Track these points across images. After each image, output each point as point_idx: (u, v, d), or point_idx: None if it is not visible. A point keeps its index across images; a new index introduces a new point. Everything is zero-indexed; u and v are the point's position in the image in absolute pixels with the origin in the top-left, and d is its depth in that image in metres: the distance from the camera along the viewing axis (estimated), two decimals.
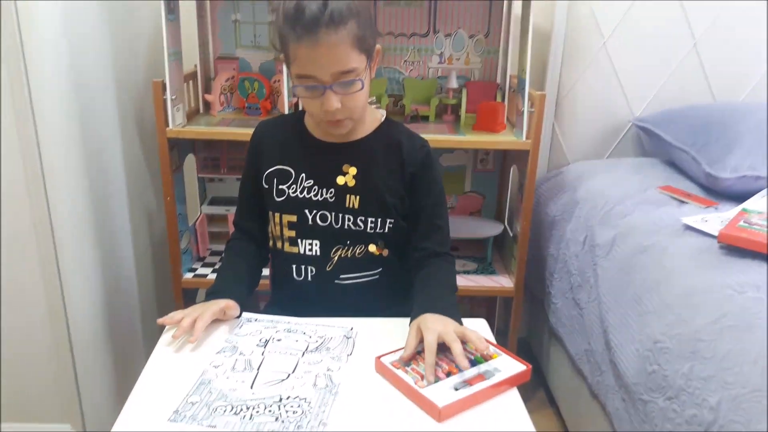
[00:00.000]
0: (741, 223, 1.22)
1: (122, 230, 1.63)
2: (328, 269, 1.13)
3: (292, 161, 1.13)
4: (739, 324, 0.98)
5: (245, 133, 1.46)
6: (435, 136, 1.55)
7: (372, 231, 1.12)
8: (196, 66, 1.73)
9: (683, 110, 1.72)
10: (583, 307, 1.44)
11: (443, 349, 0.92)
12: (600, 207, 1.52)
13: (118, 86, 1.56)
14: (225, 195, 1.89)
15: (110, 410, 1.54)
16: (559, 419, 1.73)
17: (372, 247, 1.14)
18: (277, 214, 1.14)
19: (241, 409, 0.83)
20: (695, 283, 1.11)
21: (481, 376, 0.89)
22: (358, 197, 1.11)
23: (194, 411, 0.82)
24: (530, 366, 0.93)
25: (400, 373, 0.90)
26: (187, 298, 1.68)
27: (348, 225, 1.12)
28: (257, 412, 0.82)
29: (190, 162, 1.80)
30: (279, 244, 1.16)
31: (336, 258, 1.13)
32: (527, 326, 1.96)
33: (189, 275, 1.69)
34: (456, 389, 0.86)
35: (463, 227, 1.82)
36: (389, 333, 1.02)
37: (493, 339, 1.03)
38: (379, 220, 1.12)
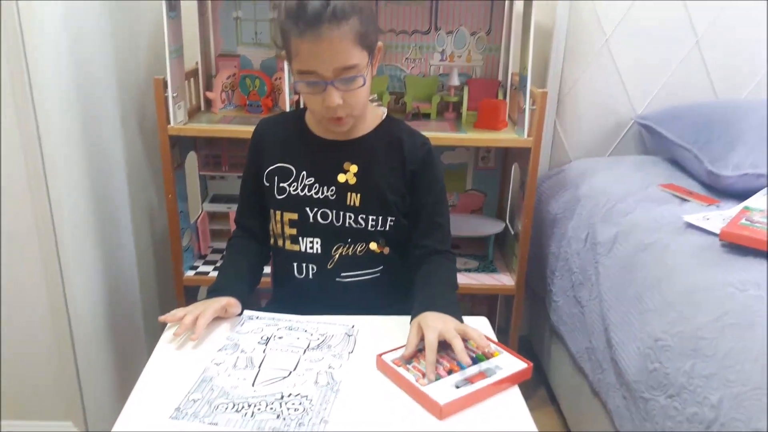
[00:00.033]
0: (743, 221, 1.21)
1: (124, 228, 1.63)
2: (329, 267, 1.13)
3: (293, 159, 1.13)
4: (741, 322, 0.97)
5: (246, 130, 1.46)
6: (436, 133, 1.55)
7: (373, 229, 1.12)
8: (197, 63, 1.73)
9: (685, 108, 1.72)
10: (585, 304, 1.44)
11: (444, 347, 0.92)
12: (602, 205, 1.52)
13: (120, 84, 1.56)
14: (226, 192, 1.89)
15: (112, 408, 1.54)
16: (560, 417, 1.73)
17: (373, 245, 1.13)
18: (278, 212, 1.14)
19: (243, 407, 0.83)
20: (697, 281, 1.11)
21: (482, 374, 0.89)
22: (359, 195, 1.11)
23: (196, 408, 0.82)
24: (531, 364, 0.93)
25: (401, 370, 0.90)
26: (189, 295, 1.68)
27: (349, 223, 1.12)
28: (259, 409, 0.82)
29: (192, 159, 1.80)
30: (280, 242, 1.16)
31: (337, 256, 1.13)
32: (528, 324, 1.96)
33: (190, 273, 1.69)
34: (457, 387, 0.86)
35: (464, 225, 1.82)
36: (390, 331, 1.02)
37: (494, 337, 1.03)
38: (380, 218, 1.12)
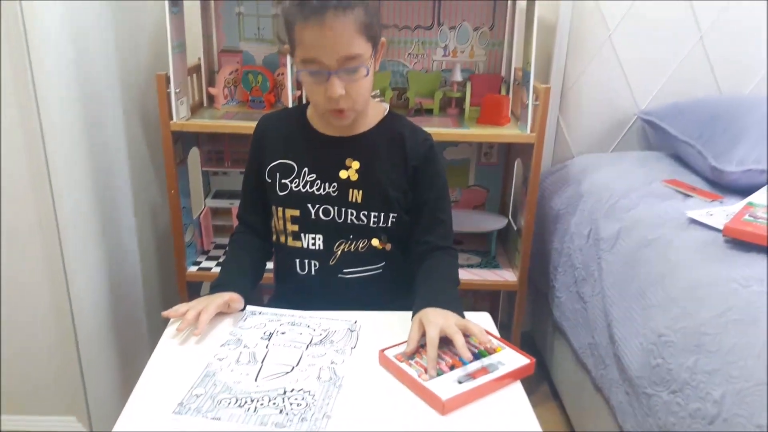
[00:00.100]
0: (746, 216, 1.21)
1: (126, 224, 1.64)
2: (331, 263, 1.14)
3: (294, 155, 1.13)
4: (744, 318, 0.97)
5: (249, 126, 1.45)
6: (439, 129, 1.55)
7: (375, 225, 1.12)
8: (199, 59, 1.73)
9: (689, 103, 1.71)
10: (587, 300, 1.43)
11: (447, 342, 0.92)
12: (605, 200, 1.51)
13: (122, 80, 1.56)
14: (229, 188, 1.89)
15: (115, 403, 1.55)
16: (562, 413, 1.73)
17: (375, 242, 1.13)
18: (280, 209, 1.14)
19: (246, 402, 0.83)
20: (700, 276, 1.11)
21: (484, 370, 0.89)
22: (360, 191, 1.11)
23: (199, 403, 0.82)
24: (534, 359, 0.93)
25: (403, 366, 0.90)
26: (192, 291, 1.69)
27: (351, 219, 1.12)
28: (261, 404, 0.82)
29: (194, 155, 1.80)
30: (282, 239, 1.16)
31: (339, 252, 1.13)
32: (531, 320, 1.96)
33: (193, 268, 1.69)
34: (460, 382, 0.86)
35: (466, 221, 1.82)
36: (393, 326, 1.02)
37: (496, 333, 1.02)
38: (382, 214, 1.12)
